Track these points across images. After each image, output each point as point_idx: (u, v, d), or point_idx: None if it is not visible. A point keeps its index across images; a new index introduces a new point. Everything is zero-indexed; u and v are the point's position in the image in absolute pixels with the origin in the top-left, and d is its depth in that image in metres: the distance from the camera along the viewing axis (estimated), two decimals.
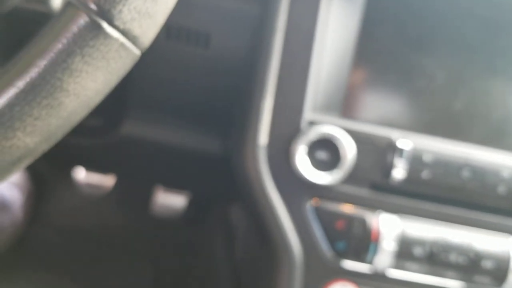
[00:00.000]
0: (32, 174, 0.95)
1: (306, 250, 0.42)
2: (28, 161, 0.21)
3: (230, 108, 0.50)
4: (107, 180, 0.87)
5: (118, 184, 0.87)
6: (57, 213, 0.95)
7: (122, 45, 0.20)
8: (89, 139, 0.61)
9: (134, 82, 0.52)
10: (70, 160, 0.72)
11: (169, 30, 0.48)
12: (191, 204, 0.89)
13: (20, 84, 0.18)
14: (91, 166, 0.73)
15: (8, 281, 0.89)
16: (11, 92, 0.18)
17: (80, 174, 0.86)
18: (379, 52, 0.45)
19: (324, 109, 0.44)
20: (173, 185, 0.75)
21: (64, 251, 0.92)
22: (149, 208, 0.90)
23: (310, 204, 0.43)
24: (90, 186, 0.86)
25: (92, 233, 0.93)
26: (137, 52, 0.21)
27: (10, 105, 0.18)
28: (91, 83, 0.20)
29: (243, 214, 0.57)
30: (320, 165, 0.42)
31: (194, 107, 0.52)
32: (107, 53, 0.20)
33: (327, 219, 0.43)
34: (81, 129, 0.60)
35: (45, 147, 0.21)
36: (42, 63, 0.19)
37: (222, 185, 0.63)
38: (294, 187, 0.42)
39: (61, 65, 0.19)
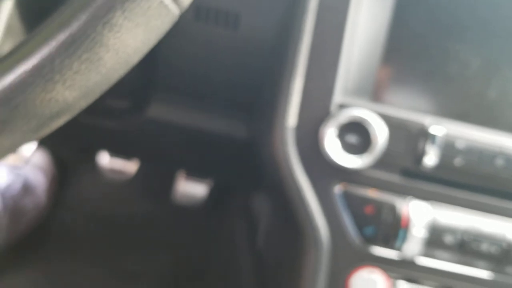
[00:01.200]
0: (56, 159, 0.96)
1: (333, 235, 0.42)
2: (65, 118, 0.21)
3: (258, 91, 0.50)
4: (129, 166, 0.87)
5: (140, 170, 0.88)
6: (80, 198, 0.96)
7: (162, 2, 0.20)
8: (115, 121, 0.61)
9: (162, 64, 0.52)
10: (94, 143, 0.72)
11: (198, 11, 0.47)
12: (212, 192, 0.88)
13: (61, 37, 0.18)
14: (114, 150, 0.73)
15: (30, 263, 0.90)
16: (52, 45, 0.18)
17: (104, 159, 0.86)
18: (411, 37, 0.44)
19: (355, 93, 0.43)
20: (195, 171, 0.74)
21: (85, 236, 0.93)
22: (170, 196, 0.91)
23: (338, 188, 0.42)
24: (113, 171, 0.87)
25: (113, 219, 0.94)
26: (176, 11, 0.21)
27: (51, 57, 0.18)
28: (130, 39, 0.19)
29: (266, 201, 0.56)
30: (350, 149, 0.41)
31: (221, 90, 0.52)
32: (147, 10, 0.19)
33: (355, 204, 0.42)
34: (107, 111, 0.60)
35: (83, 103, 0.21)
36: (83, 17, 0.18)
37: (245, 171, 0.63)
38: (323, 171, 0.42)
39: (101, 19, 0.18)
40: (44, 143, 0.91)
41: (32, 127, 0.20)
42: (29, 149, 0.90)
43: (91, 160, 0.94)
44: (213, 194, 0.90)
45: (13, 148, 0.20)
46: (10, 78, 0.18)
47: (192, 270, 0.91)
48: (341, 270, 0.42)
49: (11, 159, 0.92)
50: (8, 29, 0.35)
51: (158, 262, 0.90)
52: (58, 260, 0.90)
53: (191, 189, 0.90)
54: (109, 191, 0.95)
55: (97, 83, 0.20)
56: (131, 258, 0.91)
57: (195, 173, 0.83)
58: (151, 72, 0.53)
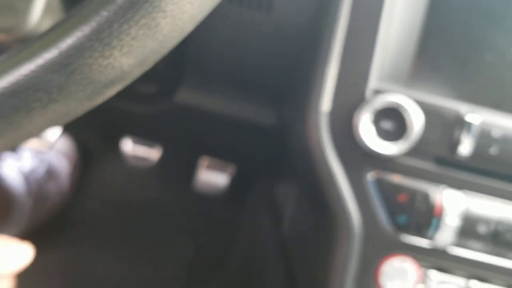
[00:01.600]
0: (79, 145, 0.97)
1: (365, 222, 0.41)
2: (119, 86, 0.21)
3: (289, 76, 0.49)
4: (152, 154, 0.87)
5: (163, 158, 0.88)
6: (102, 184, 0.96)
7: None
8: (142, 106, 0.61)
9: (192, 48, 0.52)
10: (119, 129, 0.73)
11: None
12: (234, 181, 0.88)
13: (120, 0, 0.18)
14: (139, 136, 0.73)
15: (52, 247, 0.91)
16: (110, 9, 0.18)
17: (127, 146, 0.87)
18: (448, 23, 0.44)
19: (390, 78, 0.42)
20: (219, 158, 0.74)
21: (106, 222, 0.93)
22: (191, 185, 0.91)
23: (371, 175, 0.42)
24: (135, 158, 0.87)
25: (134, 206, 0.94)
26: None
27: (109, 22, 0.18)
28: (187, 6, 0.19)
29: (292, 189, 0.56)
30: (384, 135, 0.41)
31: (251, 75, 0.51)
32: None
33: (388, 192, 0.41)
34: (135, 96, 0.60)
35: (137, 72, 0.20)
36: None
37: (270, 159, 0.63)
38: (356, 157, 0.41)
39: None
40: (68, 129, 0.92)
41: (87, 94, 0.19)
42: (54, 134, 0.91)
43: (114, 147, 0.94)
44: (235, 184, 0.90)
45: (67, 116, 0.20)
46: (68, 42, 0.18)
47: (212, 258, 0.92)
48: (372, 258, 0.41)
49: (35, 143, 0.93)
50: (47, 7, 0.35)
51: (178, 250, 0.91)
52: (80, 245, 0.91)
53: (212, 178, 0.90)
54: (131, 178, 0.96)
55: (153, 50, 0.19)
56: (151, 244, 0.91)
57: (218, 160, 0.83)
58: (181, 57, 0.53)
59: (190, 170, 0.91)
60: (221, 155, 0.70)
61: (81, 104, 0.20)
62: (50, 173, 0.92)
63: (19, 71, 0.18)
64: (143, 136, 0.72)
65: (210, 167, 0.90)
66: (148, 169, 0.93)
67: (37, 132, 0.20)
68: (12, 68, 0.18)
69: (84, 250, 0.90)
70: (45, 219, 0.91)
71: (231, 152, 0.67)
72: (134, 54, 0.19)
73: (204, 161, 0.88)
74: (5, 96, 0.18)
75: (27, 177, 0.89)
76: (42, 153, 0.94)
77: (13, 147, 0.21)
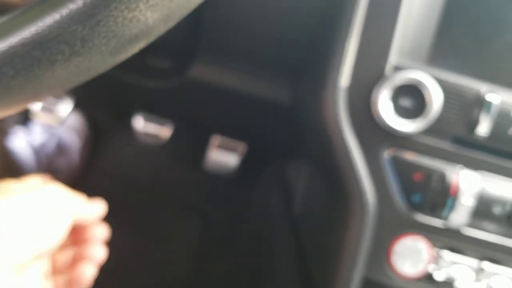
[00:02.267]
0: (90, 121, 0.97)
1: (380, 200, 0.41)
2: (142, 43, 0.20)
3: (307, 51, 0.49)
4: (163, 131, 0.87)
5: (174, 136, 0.88)
6: (113, 161, 0.97)
7: None
8: (155, 81, 0.60)
9: (207, 22, 0.51)
10: (131, 104, 0.72)
11: None
12: (245, 161, 0.88)
13: None
14: (150, 112, 0.72)
15: None
16: None
17: (138, 123, 0.86)
18: (470, 2, 0.43)
19: (411, 55, 0.42)
20: (231, 136, 0.74)
21: (116, 198, 0.94)
22: (202, 164, 0.91)
23: (388, 153, 0.41)
24: (147, 135, 0.87)
25: (145, 183, 0.95)
26: None
27: None
28: None
29: (305, 167, 0.56)
30: (403, 113, 0.40)
31: (269, 49, 0.51)
32: None
33: (404, 170, 0.41)
34: (148, 70, 0.60)
35: (161, 28, 0.20)
36: None
37: (283, 137, 0.62)
38: (373, 134, 0.41)
39: None
40: (79, 105, 0.92)
41: (110, 48, 0.19)
42: (65, 110, 0.90)
43: (125, 123, 0.94)
44: (245, 163, 0.90)
45: (89, 72, 0.20)
46: None
47: (220, 237, 0.92)
48: (385, 237, 0.41)
49: (46, 118, 0.93)
50: None
51: (186, 228, 0.91)
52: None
53: (223, 158, 0.89)
54: (141, 155, 0.96)
55: (179, 5, 0.19)
56: (161, 221, 0.92)
57: (230, 139, 0.82)
58: (196, 31, 0.52)
59: (201, 149, 0.91)
60: (233, 134, 0.69)
61: (103, 59, 0.19)
62: (61, 148, 0.92)
63: (42, 21, 0.18)
64: (155, 112, 0.72)
65: (221, 147, 0.89)
66: (158, 146, 0.93)
67: (58, 87, 0.20)
68: (36, 19, 0.18)
69: None
70: None
71: (243, 131, 0.66)
72: (160, 7, 0.18)
73: (214, 140, 0.88)
74: (27, 47, 0.18)
75: (37, 152, 0.90)
76: (53, 128, 0.94)
77: (36, 101, 0.21)
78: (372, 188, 0.41)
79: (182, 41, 0.54)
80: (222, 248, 0.90)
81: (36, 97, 0.21)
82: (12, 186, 0.40)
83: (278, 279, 0.49)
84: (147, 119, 0.88)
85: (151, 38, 0.20)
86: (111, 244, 0.89)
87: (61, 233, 0.40)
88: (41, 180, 0.46)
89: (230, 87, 0.56)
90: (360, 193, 0.40)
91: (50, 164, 0.91)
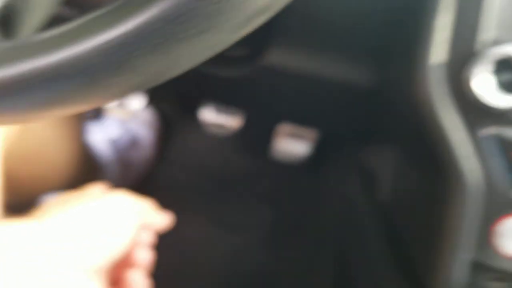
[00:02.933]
0: (161, 114, 0.99)
1: (482, 180, 0.39)
2: (264, 18, 0.20)
3: (390, 30, 0.47)
4: (232, 122, 0.88)
5: (243, 126, 0.88)
6: (185, 152, 0.99)
7: None
8: (229, 69, 0.60)
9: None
10: (200, 95, 0.73)
11: None
12: (315, 149, 0.87)
13: None
14: (221, 102, 0.73)
15: None
16: None
17: (207, 115, 0.87)
18: None
19: (509, 28, 0.39)
20: (303, 123, 0.73)
21: (188, 188, 0.96)
22: (271, 153, 0.91)
23: (489, 131, 0.39)
24: (215, 126, 0.88)
25: (215, 173, 0.96)
26: None
27: None
28: None
29: (390, 153, 0.54)
30: (504, 88, 0.38)
31: (348, 32, 0.49)
32: None
33: (507, 148, 0.39)
34: (223, 59, 0.60)
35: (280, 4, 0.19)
36: None
37: (360, 122, 0.60)
38: (473, 111, 0.39)
39: None
40: (152, 99, 0.94)
41: (233, 24, 0.19)
42: (137, 104, 0.93)
43: (194, 116, 0.96)
44: (316, 152, 0.89)
45: (214, 48, 0.20)
46: None
47: (296, 224, 0.92)
48: (487, 217, 0.39)
49: (119, 113, 0.96)
50: None
51: (260, 216, 0.92)
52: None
53: (292, 147, 0.89)
54: (212, 146, 0.97)
55: None
56: (234, 210, 0.93)
57: (300, 127, 0.81)
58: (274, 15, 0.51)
59: (270, 138, 0.90)
60: (305, 121, 0.68)
61: (227, 35, 0.19)
62: (135, 142, 0.95)
63: None
64: (225, 102, 0.72)
65: (290, 135, 0.89)
66: (227, 137, 0.94)
67: (183, 64, 0.20)
68: None
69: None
70: (131, 187, 0.95)
71: (316, 117, 0.65)
72: None
73: (283, 129, 0.88)
74: (161, 21, 0.17)
75: (114, 146, 0.93)
76: (126, 123, 0.97)
77: (156, 83, 0.21)
78: (473, 168, 0.39)
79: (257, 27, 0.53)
80: (296, 237, 0.90)
81: (157, 78, 0.21)
82: (75, 195, 0.41)
83: (371, 267, 0.48)
84: (215, 111, 0.89)
85: (273, 12, 0.20)
86: (188, 232, 0.91)
87: (128, 240, 0.40)
88: (102, 188, 0.47)
89: (306, 72, 0.55)
90: (461, 173, 0.38)
91: (126, 158, 0.94)
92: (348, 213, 0.65)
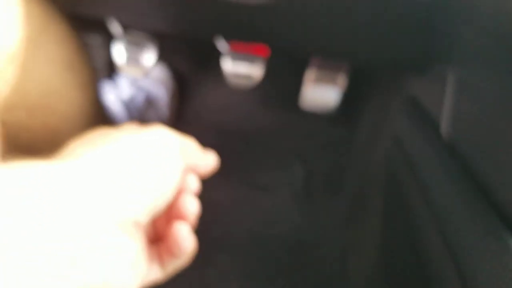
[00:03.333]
0: (175, 71, 0.92)
1: None
2: None
3: None
4: (255, 70, 0.79)
5: (266, 74, 0.80)
6: (203, 110, 0.91)
7: None
8: None
9: None
10: (219, 30, 0.64)
11: None
12: (348, 93, 0.79)
13: None
14: (241, 36, 0.64)
15: None
16: None
17: (226, 65, 0.79)
18: None
19: None
20: (336, 55, 0.64)
21: (211, 148, 0.88)
22: (298, 103, 0.83)
23: None
24: (237, 77, 0.80)
25: (239, 130, 0.88)
26: None
27: None
28: None
29: (449, 82, 0.45)
30: None
31: None
32: None
33: None
34: None
35: None
36: None
37: (413, 45, 0.51)
38: None
39: None
40: (163, 53, 0.86)
41: None
42: (149, 60, 0.85)
43: (211, 69, 0.87)
44: (348, 96, 0.81)
45: None
46: None
47: (326, 182, 0.84)
48: None
49: (131, 71, 0.88)
50: None
51: (289, 174, 0.85)
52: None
53: (321, 94, 0.81)
54: (233, 100, 0.90)
55: None
56: (262, 169, 0.86)
57: (329, 67, 0.73)
58: None
59: (297, 86, 0.82)
60: (341, 52, 0.59)
61: None
62: (149, 101, 0.88)
63: None
64: (246, 37, 0.64)
65: (318, 80, 0.81)
66: (250, 89, 0.86)
67: None
68: None
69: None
70: None
71: (353, 46, 0.56)
72: None
73: (310, 75, 0.79)
74: None
75: (128, 105, 0.86)
76: (140, 81, 0.89)
77: None
78: None
79: None
80: (329, 194, 0.82)
81: None
82: (107, 132, 0.31)
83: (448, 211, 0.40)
84: (235, 59, 0.81)
85: None
86: (214, 193, 0.85)
87: (176, 185, 0.32)
88: (138, 126, 0.38)
89: None
90: None
91: (141, 118, 0.87)
92: (399, 158, 0.57)
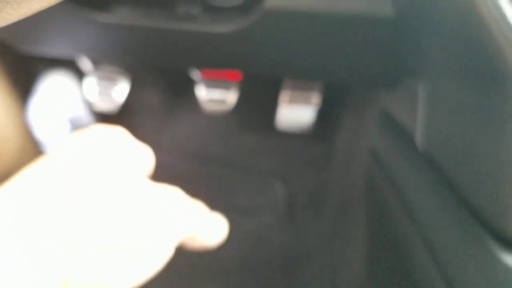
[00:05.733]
0: (149, 100, 0.92)
1: None
2: None
3: None
4: (229, 95, 0.80)
5: (241, 98, 0.81)
6: (181, 137, 0.91)
7: None
8: (227, 23, 0.53)
9: None
10: (193, 62, 0.64)
11: None
12: (322, 111, 0.80)
13: None
14: (215, 64, 0.64)
15: None
16: None
17: (201, 92, 0.80)
18: None
19: None
20: (309, 76, 0.65)
21: (190, 176, 0.88)
22: (274, 123, 0.83)
23: None
24: (212, 102, 0.81)
25: (218, 154, 0.89)
26: None
27: None
28: None
29: (422, 92, 0.47)
30: None
31: None
32: None
33: None
34: (215, 12, 0.52)
35: None
36: None
37: (380, 62, 0.53)
38: None
39: None
40: (135, 85, 0.87)
41: None
42: (121, 95, 0.85)
43: (186, 96, 0.88)
44: (322, 114, 0.82)
45: None
46: None
47: (310, 200, 0.85)
48: None
49: (102, 106, 0.88)
50: None
51: (272, 195, 0.85)
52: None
53: (296, 113, 0.82)
54: (210, 126, 0.90)
55: None
56: (243, 194, 0.86)
57: (303, 86, 0.74)
58: None
59: (271, 106, 0.83)
60: (312, 72, 0.60)
61: None
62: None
63: None
64: (219, 65, 0.64)
65: (293, 101, 0.82)
66: (225, 115, 0.86)
67: None
68: None
69: None
70: None
71: (325, 65, 0.57)
72: None
73: (285, 96, 0.81)
74: None
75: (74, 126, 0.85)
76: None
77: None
78: None
79: None
80: (314, 211, 0.83)
81: None
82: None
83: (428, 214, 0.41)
84: (209, 86, 0.82)
85: None
86: None
87: (168, 254, 0.28)
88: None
89: (317, 9, 0.47)
90: None
91: None
92: (378, 170, 0.58)
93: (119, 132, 0.29)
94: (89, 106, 0.88)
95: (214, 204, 0.86)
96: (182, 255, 0.76)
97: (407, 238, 0.47)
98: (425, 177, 0.45)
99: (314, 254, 0.81)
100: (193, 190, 0.89)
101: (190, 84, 0.84)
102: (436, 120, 0.44)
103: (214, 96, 0.81)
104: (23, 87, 0.74)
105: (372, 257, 0.59)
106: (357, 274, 0.65)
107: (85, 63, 0.83)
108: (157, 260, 0.26)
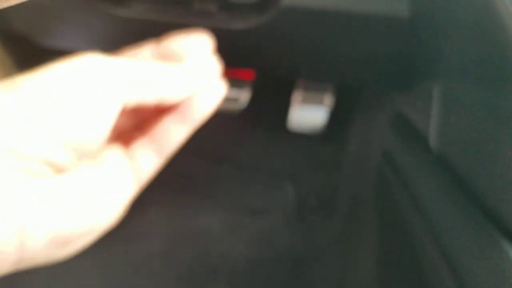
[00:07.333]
0: None
1: None
2: None
3: None
4: (243, 93, 0.80)
5: (253, 97, 0.81)
6: (191, 137, 0.91)
7: None
8: (243, 20, 0.53)
9: None
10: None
11: None
12: (335, 112, 0.80)
13: None
14: (229, 61, 0.64)
15: (158, 203, 0.87)
16: None
17: None
18: None
19: None
20: (322, 76, 0.65)
21: (201, 176, 0.89)
22: (286, 124, 0.84)
23: None
24: (226, 100, 0.81)
25: (229, 154, 0.89)
26: None
27: None
28: None
29: (435, 96, 0.46)
30: None
31: None
32: None
33: None
34: (232, 9, 0.52)
35: None
36: None
37: (397, 63, 0.53)
38: None
39: None
40: None
41: None
42: None
43: None
44: (335, 116, 0.82)
45: None
46: None
47: (320, 202, 0.85)
48: None
49: None
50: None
51: (282, 196, 0.85)
52: (183, 199, 0.87)
53: (309, 114, 0.82)
54: (221, 125, 0.90)
55: None
56: (252, 194, 0.86)
57: (316, 85, 0.74)
58: None
59: (284, 107, 0.83)
60: (326, 72, 0.60)
61: None
62: None
63: None
64: (234, 63, 0.64)
65: (306, 101, 0.82)
66: (238, 113, 0.86)
67: None
68: None
69: (187, 204, 0.86)
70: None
71: (339, 66, 0.57)
72: None
73: (298, 96, 0.81)
74: None
75: None
76: None
77: None
78: None
79: None
80: (324, 213, 0.83)
81: None
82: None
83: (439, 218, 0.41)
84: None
85: None
86: (205, 219, 0.84)
87: (106, 124, 0.27)
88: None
89: (334, 8, 0.47)
90: None
91: None
92: (390, 172, 0.57)
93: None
94: None
95: (224, 203, 0.86)
96: (190, 253, 0.77)
97: (420, 240, 0.47)
98: (438, 179, 0.44)
99: (323, 256, 0.81)
100: (203, 189, 0.89)
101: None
102: (451, 121, 0.43)
103: (227, 95, 0.81)
104: None
105: (383, 260, 0.59)
106: (366, 276, 0.64)
107: None
108: (103, 123, 0.26)
